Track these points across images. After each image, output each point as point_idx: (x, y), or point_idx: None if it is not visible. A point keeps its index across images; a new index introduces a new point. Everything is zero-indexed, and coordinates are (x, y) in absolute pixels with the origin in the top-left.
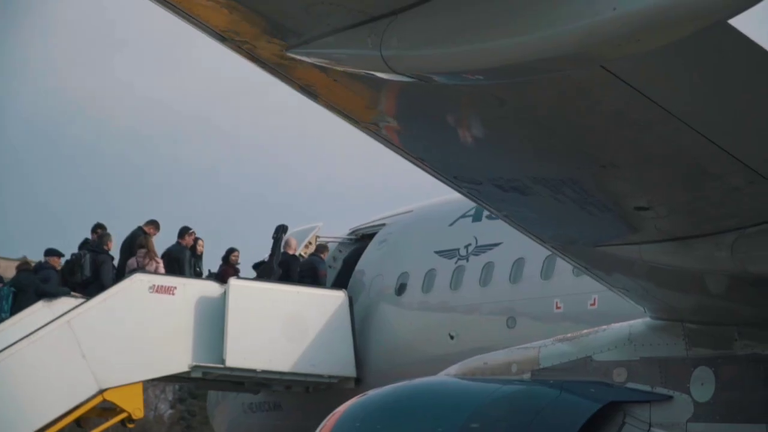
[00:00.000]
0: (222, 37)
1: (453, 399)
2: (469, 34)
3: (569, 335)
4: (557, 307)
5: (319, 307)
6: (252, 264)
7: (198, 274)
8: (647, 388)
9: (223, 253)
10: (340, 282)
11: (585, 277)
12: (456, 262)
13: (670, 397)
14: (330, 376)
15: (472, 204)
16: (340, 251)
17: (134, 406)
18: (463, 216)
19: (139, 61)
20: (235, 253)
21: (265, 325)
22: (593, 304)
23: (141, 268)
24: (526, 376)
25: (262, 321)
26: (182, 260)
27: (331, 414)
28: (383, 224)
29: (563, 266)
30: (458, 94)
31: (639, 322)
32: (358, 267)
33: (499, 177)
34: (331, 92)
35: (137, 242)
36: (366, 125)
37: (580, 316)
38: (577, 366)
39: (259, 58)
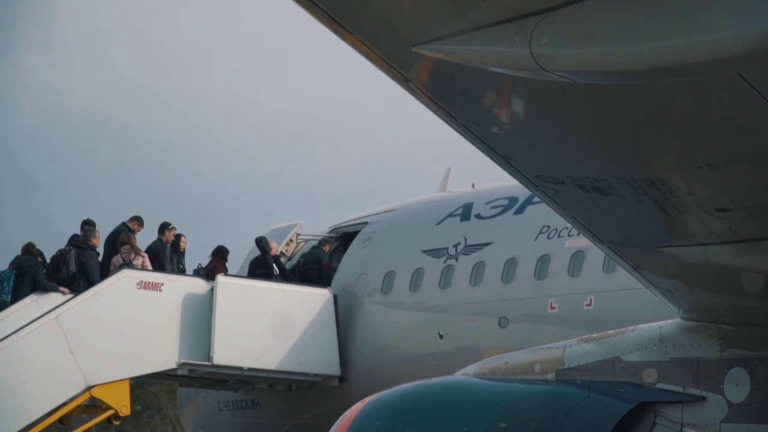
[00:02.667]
0: (345, 29)
1: (479, 398)
2: (632, 34)
3: (594, 335)
4: (552, 308)
5: (304, 304)
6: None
7: (181, 271)
8: (678, 388)
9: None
10: (322, 280)
11: (580, 277)
12: (445, 262)
13: (703, 398)
14: (315, 375)
15: (459, 203)
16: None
17: (121, 404)
18: (451, 215)
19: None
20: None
21: (251, 323)
22: (589, 305)
23: (128, 264)
24: (551, 376)
25: (249, 318)
26: (163, 256)
27: (343, 415)
28: (365, 222)
29: (558, 267)
30: (574, 93)
31: (670, 322)
32: (341, 265)
33: (585, 177)
34: (441, 89)
35: (120, 239)
36: (464, 122)
37: (576, 316)
38: (604, 366)
39: (376, 53)
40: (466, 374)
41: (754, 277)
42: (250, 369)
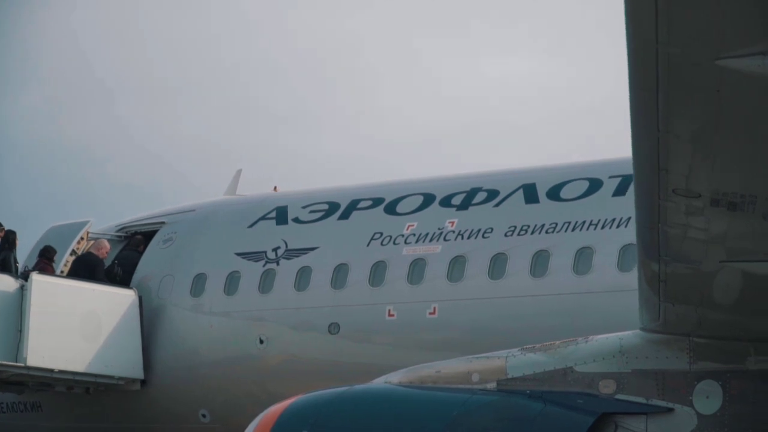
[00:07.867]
0: (655, 38)
1: (421, 408)
2: None
3: (538, 345)
4: (390, 315)
5: (110, 305)
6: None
7: (16, 268)
8: (641, 399)
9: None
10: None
11: (422, 285)
12: (264, 265)
13: (670, 410)
14: (119, 378)
15: (271, 206)
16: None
17: None
18: (263, 218)
19: None
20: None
21: (63, 323)
22: (433, 313)
23: None
24: (491, 385)
25: (61, 318)
26: None
27: (260, 417)
28: (162, 222)
29: (395, 274)
30: None
31: (630, 334)
32: (140, 265)
33: (733, 192)
34: (687, 101)
35: None
36: (667, 134)
37: (418, 324)
38: (554, 376)
39: (659, 60)
40: (389, 382)
41: None
42: (60, 371)
